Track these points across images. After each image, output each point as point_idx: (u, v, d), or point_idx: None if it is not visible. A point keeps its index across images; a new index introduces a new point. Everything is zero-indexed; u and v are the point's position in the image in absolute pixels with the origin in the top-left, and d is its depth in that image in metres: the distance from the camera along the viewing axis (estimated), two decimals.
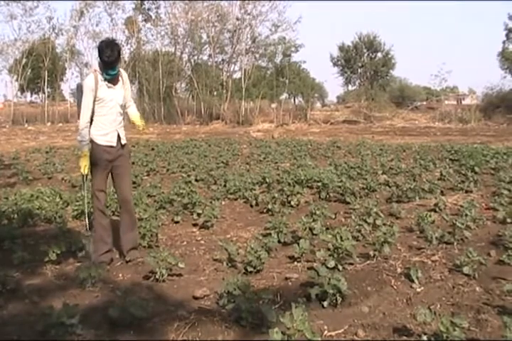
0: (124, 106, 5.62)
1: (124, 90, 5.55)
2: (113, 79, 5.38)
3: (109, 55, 5.10)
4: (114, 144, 5.48)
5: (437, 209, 7.80)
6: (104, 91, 5.33)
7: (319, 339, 3.29)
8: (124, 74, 5.60)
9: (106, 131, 5.42)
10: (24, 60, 41.48)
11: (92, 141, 5.41)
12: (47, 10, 46.74)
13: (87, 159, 5.40)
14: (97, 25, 43.48)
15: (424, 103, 51.33)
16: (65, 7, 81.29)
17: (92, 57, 42.30)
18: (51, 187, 9.50)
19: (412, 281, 4.82)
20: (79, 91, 5.43)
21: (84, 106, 5.33)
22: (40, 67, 42.92)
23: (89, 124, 5.36)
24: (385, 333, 3.79)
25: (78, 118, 5.52)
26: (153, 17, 44.25)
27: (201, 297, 4.58)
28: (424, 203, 8.46)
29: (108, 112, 5.41)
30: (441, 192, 9.32)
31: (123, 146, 5.61)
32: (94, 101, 5.30)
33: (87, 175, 5.49)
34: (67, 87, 60.15)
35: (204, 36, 43.83)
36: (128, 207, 5.75)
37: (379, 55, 49.10)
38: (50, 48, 42.20)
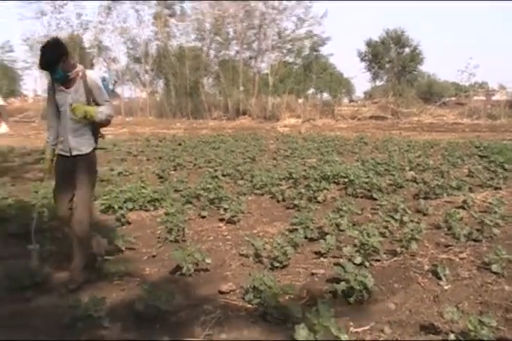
0: None
1: (82, 95, 4.87)
2: (66, 83, 4.83)
3: (41, 60, 4.65)
4: (67, 154, 4.98)
5: (465, 206, 7.72)
6: (57, 95, 4.91)
7: (345, 335, 3.27)
8: (90, 77, 4.91)
9: (61, 138, 5.01)
10: None
11: None
12: (76, 7, 47.14)
13: (47, 163, 5.14)
14: (124, 21, 43.85)
15: (453, 99, 50.78)
16: (93, 4, 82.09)
17: (120, 53, 42.48)
18: None
19: (440, 279, 4.78)
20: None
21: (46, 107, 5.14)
22: None
23: (51, 127, 5.11)
24: (412, 330, 3.77)
25: None
26: (178, 12, 44.45)
27: (227, 292, 4.59)
28: (452, 200, 8.38)
29: (62, 118, 4.95)
30: (470, 189, 9.21)
31: (80, 156, 4.98)
32: (56, 104, 4.95)
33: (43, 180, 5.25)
34: None
35: (231, 32, 43.91)
36: (76, 228, 4.90)
37: (407, 50, 48.68)
38: (78, 44, 42.54)
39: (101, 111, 4.83)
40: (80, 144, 4.96)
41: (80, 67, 4.88)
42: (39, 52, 4.68)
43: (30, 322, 4.02)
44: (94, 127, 5.05)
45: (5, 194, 8.21)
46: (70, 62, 4.78)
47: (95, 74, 5.02)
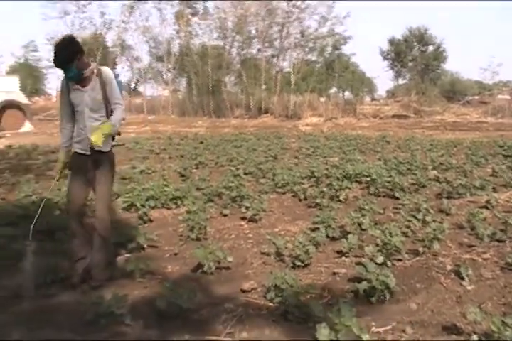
0: (98, 111, 4.86)
1: (99, 92, 4.81)
2: (81, 81, 4.76)
3: (55, 59, 4.60)
4: (87, 152, 4.87)
5: (489, 206, 7.65)
6: (72, 94, 4.81)
7: (367, 335, 3.26)
8: (105, 73, 4.87)
9: (79, 137, 4.90)
10: None
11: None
12: (99, 6, 47.39)
13: (60, 165, 5.04)
14: (146, 20, 44.04)
15: (476, 97, 50.30)
16: (116, 3, 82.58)
17: (143, 52, 42.46)
18: None
19: (462, 279, 4.74)
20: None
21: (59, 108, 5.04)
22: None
23: (64, 129, 5.00)
24: (434, 331, 3.74)
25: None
26: (201, 11, 44.52)
27: (249, 290, 4.60)
28: (476, 200, 8.30)
29: (78, 118, 4.86)
30: (493, 188, 9.11)
31: (99, 155, 4.89)
32: (71, 104, 4.85)
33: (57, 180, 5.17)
34: None
35: (253, 30, 43.86)
36: (98, 225, 4.92)
37: (430, 48, 48.36)
38: (101, 43, 42.82)
39: (114, 124, 4.74)
40: None
41: (93, 65, 4.84)
42: (53, 51, 4.62)
43: (53, 318, 4.06)
44: None
45: (29, 191, 8.30)
46: (84, 60, 4.73)
47: (109, 71, 4.95)
